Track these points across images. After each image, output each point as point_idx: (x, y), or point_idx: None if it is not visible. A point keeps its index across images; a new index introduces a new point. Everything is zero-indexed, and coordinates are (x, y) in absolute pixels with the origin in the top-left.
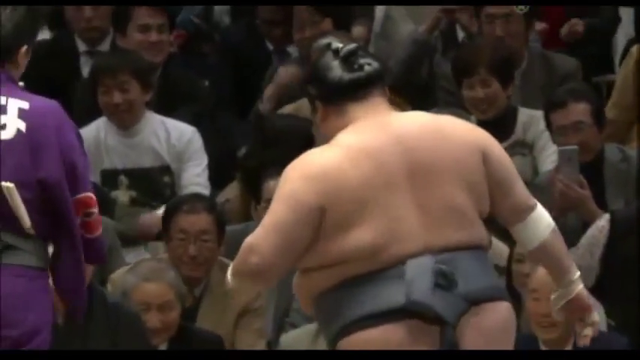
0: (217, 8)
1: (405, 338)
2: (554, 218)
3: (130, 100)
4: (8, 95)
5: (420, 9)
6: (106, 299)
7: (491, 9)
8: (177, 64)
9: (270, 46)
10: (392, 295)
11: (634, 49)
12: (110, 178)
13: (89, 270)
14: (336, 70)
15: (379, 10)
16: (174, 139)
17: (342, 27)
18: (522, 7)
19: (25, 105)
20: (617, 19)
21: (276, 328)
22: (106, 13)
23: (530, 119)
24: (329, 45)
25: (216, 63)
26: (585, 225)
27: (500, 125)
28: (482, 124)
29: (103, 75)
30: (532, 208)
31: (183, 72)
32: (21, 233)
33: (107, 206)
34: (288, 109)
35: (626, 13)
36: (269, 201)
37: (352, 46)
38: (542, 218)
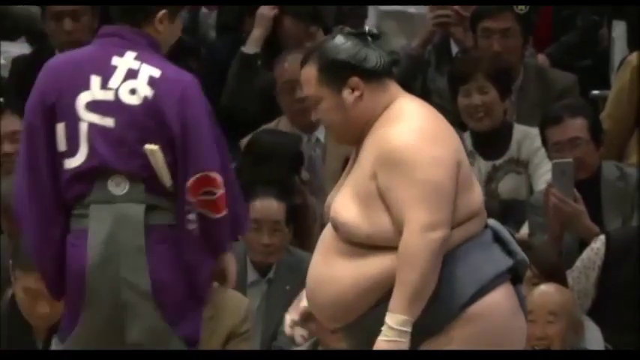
0: (203, 22)
1: (515, 297)
2: (552, 239)
3: None
4: (143, 61)
5: (412, 23)
6: None
7: (488, 23)
8: None
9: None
10: (500, 255)
11: (632, 57)
12: None
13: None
14: (369, 47)
15: (370, 24)
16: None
17: None
18: (522, 7)
19: (157, 73)
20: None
21: None
22: (87, 26)
23: (525, 136)
24: (349, 31)
25: (201, 78)
26: (582, 245)
27: (495, 142)
28: (477, 136)
29: None
30: None
31: None
32: (163, 193)
33: None
34: (270, 124)
35: (621, 28)
36: (255, 221)
37: (378, 30)
38: None
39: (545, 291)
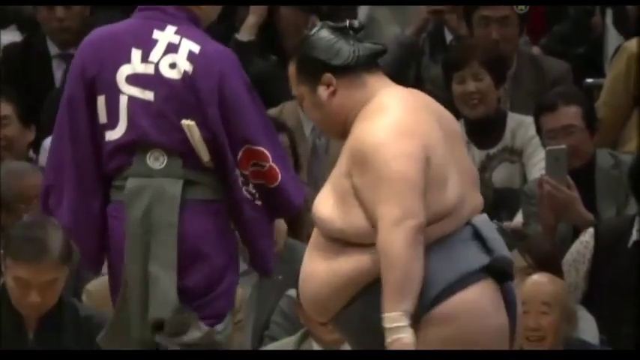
0: None
1: (493, 296)
2: (546, 229)
3: None
4: (183, 35)
5: (405, 11)
6: (78, 312)
7: (486, 11)
8: None
9: None
10: (475, 253)
11: (627, 44)
12: None
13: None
14: (350, 42)
15: (362, 13)
16: None
17: None
18: (522, 7)
19: (197, 48)
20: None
21: (255, 342)
22: (78, 13)
23: (519, 125)
24: (330, 25)
25: None
26: (576, 234)
27: (489, 130)
28: (471, 125)
29: None
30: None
31: None
32: (200, 168)
33: None
34: (272, 112)
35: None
36: None
37: (360, 23)
38: None
39: (538, 281)
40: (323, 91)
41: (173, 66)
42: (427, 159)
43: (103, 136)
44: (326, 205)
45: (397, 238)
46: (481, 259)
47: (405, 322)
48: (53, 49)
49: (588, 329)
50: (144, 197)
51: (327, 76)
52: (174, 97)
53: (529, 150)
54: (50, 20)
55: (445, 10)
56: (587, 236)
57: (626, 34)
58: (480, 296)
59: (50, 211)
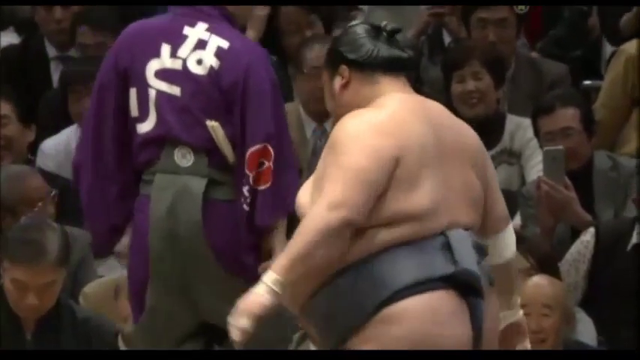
0: None
1: (453, 306)
2: (544, 231)
3: None
4: (213, 32)
5: (403, 13)
6: (75, 314)
7: (483, 13)
8: None
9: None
10: (440, 262)
11: (625, 46)
12: None
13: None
14: (376, 40)
15: (360, 15)
16: None
17: (325, 32)
18: (522, 7)
19: (225, 44)
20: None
21: None
22: (76, 14)
23: (518, 127)
24: (367, 23)
25: None
26: (575, 235)
27: (487, 131)
28: (469, 123)
29: (74, 83)
30: (509, 219)
31: None
32: (224, 167)
33: (78, 217)
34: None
35: None
36: None
37: (396, 26)
38: (513, 234)
39: (539, 283)
40: (337, 82)
41: (200, 62)
42: (397, 159)
43: (134, 129)
44: (305, 192)
45: (321, 220)
46: (444, 269)
47: (279, 289)
48: (51, 51)
49: (586, 331)
50: (168, 194)
51: (343, 67)
52: (201, 93)
53: (527, 152)
54: (48, 22)
55: (445, 12)
56: (588, 236)
57: (618, 44)
58: (434, 303)
59: (78, 189)
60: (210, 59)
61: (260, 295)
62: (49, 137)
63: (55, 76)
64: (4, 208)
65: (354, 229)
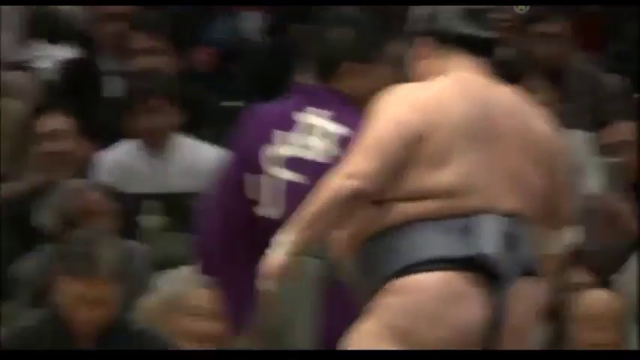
0: (245, 25)
1: (463, 289)
2: (603, 245)
3: (162, 123)
4: (333, 119)
5: None
6: (128, 326)
7: (541, 27)
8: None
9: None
10: (458, 244)
11: None
12: (139, 202)
13: None
14: (462, 18)
15: None
16: (203, 161)
17: None
18: (522, 7)
19: (346, 131)
20: None
21: None
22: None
23: (574, 140)
24: (466, 7)
25: (244, 81)
26: (632, 248)
27: None
28: None
29: (135, 98)
30: (570, 223)
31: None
32: None
33: (135, 231)
34: None
35: None
36: None
37: (485, 7)
38: (568, 235)
39: (599, 297)
40: (413, 52)
41: (322, 150)
42: (421, 134)
43: (255, 213)
44: None
45: (334, 187)
46: (460, 251)
47: (290, 248)
48: (107, 65)
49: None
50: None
51: (422, 38)
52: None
53: (583, 166)
54: (107, 36)
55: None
56: None
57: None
58: (442, 282)
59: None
60: (332, 148)
61: (276, 256)
62: (104, 151)
63: (110, 90)
64: (65, 221)
65: (379, 199)
